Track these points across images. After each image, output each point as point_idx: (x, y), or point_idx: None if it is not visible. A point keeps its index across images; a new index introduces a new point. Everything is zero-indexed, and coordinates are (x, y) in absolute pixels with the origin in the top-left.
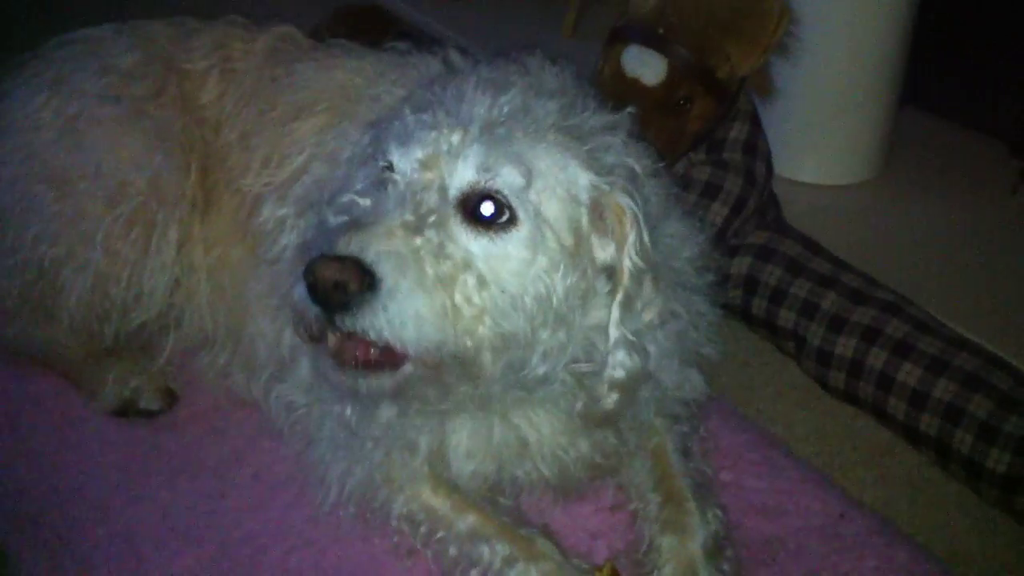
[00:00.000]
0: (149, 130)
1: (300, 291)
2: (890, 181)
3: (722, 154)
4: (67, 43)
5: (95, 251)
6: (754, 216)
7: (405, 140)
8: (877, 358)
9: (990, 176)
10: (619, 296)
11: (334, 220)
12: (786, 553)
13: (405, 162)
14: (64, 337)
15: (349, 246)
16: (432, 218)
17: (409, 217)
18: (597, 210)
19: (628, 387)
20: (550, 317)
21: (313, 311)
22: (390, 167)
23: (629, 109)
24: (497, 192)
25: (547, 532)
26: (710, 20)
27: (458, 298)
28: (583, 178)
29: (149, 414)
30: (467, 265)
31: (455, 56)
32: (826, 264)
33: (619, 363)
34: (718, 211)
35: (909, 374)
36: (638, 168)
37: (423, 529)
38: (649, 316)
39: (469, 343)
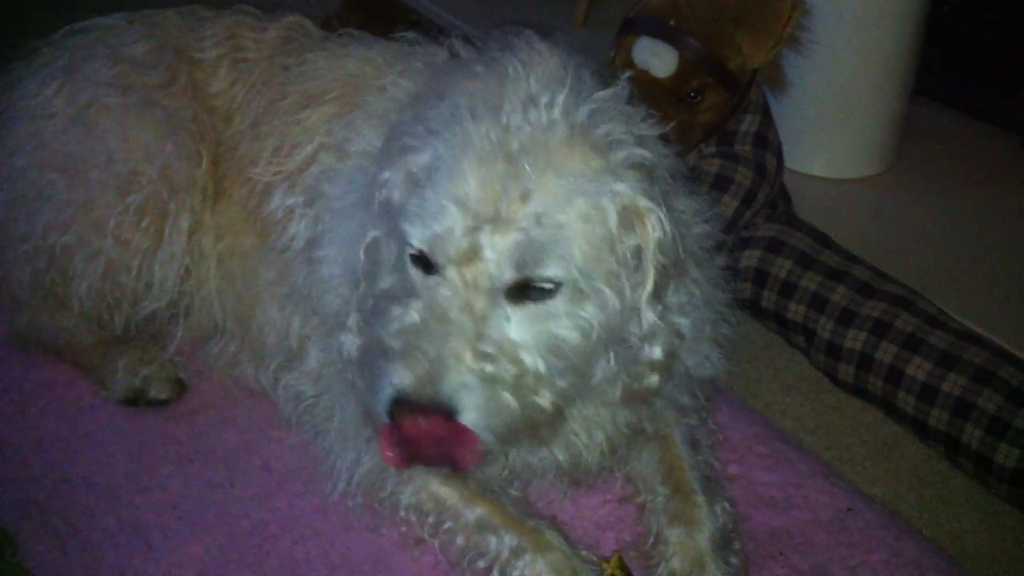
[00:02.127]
0: (160, 119)
1: (379, 411)
2: (901, 174)
3: (733, 146)
4: (79, 32)
5: (106, 240)
6: (764, 209)
7: (428, 222)
8: (887, 352)
9: (1002, 169)
10: (648, 288)
11: (393, 342)
12: (793, 546)
13: (440, 254)
14: (74, 325)
15: (427, 390)
16: (488, 324)
17: (468, 328)
18: (622, 215)
19: (666, 366)
20: (604, 344)
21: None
22: (421, 256)
23: (626, 75)
24: (544, 280)
25: (555, 524)
26: (722, 12)
27: (523, 381)
28: (606, 197)
29: (158, 403)
30: (524, 347)
31: (460, 46)
32: (836, 257)
33: (657, 345)
34: (728, 203)
35: (919, 368)
36: (648, 155)
37: (431, 519)
38: (677, 299)
39: (536, 409)
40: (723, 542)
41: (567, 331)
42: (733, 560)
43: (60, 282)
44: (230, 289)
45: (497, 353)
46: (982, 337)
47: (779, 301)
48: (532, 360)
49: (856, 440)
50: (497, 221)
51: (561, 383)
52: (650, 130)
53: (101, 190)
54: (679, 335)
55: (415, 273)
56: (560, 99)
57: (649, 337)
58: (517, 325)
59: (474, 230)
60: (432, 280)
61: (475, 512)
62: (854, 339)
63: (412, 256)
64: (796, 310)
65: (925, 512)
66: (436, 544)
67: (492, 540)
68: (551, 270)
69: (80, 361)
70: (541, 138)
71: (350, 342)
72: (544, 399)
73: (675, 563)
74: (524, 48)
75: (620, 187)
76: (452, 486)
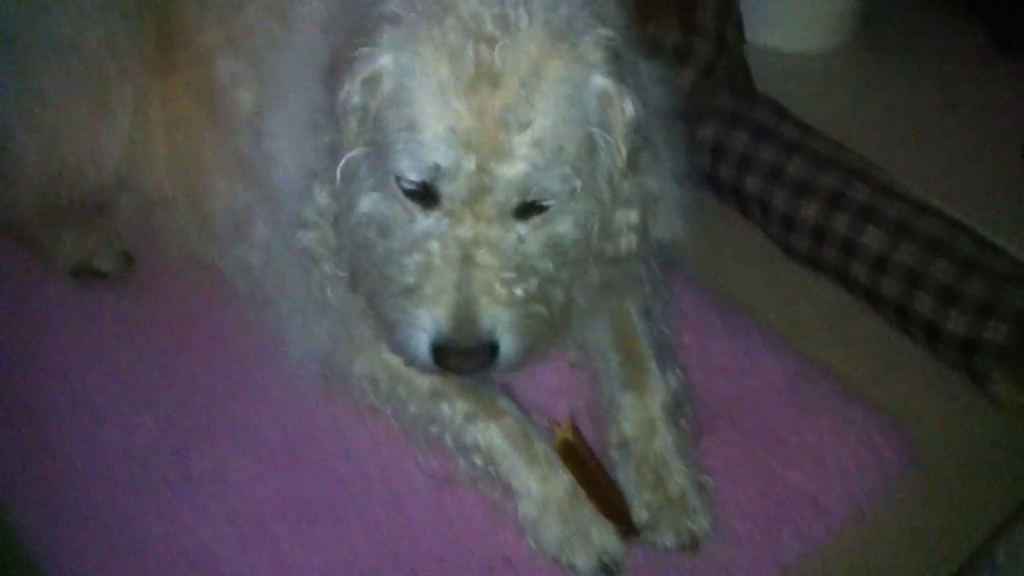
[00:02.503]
0: None
1: (421, 357)
2: (861, 48)
3: (693, 17)
4: None
5: (48, 110)
6: (723, 81)
7: (425, 157)
8: (840, 222)
9: (960, 42)
10: (623, 161)
11: (414, 282)
12: (743, 412)
13: (445, 191)
14: (18, 199)
15: (467, 333)
16: (504, 249)
17: (488, 260)
18: (599, 105)
19: (643, 227)
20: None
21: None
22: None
23: None
24: (549, 197)
25: (507, 391)
26: None
27: (544, 288)
28: (587, 94)
29: (105, 276)
30: (538, 256)
31: None
32: (793, 129)
33: (633, 209)
34: (687, 75)
35: (872, 237)
36: (612, 34)
37: (383, 387)
38: (644, 162)
39: (557, 308)
40: (674, 407)
41: (568, 228)
42: (683, 424)
43: (1, 156)
44: (176, 159)
45: (519, 274)
46: (936, 207)
47: (736, 174)
48: (546, 265)
49: (809, 310)
50: (500, 154)
51: (567, 275)
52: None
53: (42, 60)
54: (652, 197)
55: (411, 206)
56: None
57: (624, 202)
58: (528, 238)
59: (480, 168)
60: (436, 215)
61: (427, 380)
62: (808, 210)
63: (406, 189)
64: (752, 182)
65: (874, 379)
66: (389, 412)
67: (445, 407)
68: (555, 187)
69: (24, 235)
70: (522, 48)
71: (310, 239)
72: (560, 296)
73: (626, 427)
74: None
75: (596, 79)
76: None
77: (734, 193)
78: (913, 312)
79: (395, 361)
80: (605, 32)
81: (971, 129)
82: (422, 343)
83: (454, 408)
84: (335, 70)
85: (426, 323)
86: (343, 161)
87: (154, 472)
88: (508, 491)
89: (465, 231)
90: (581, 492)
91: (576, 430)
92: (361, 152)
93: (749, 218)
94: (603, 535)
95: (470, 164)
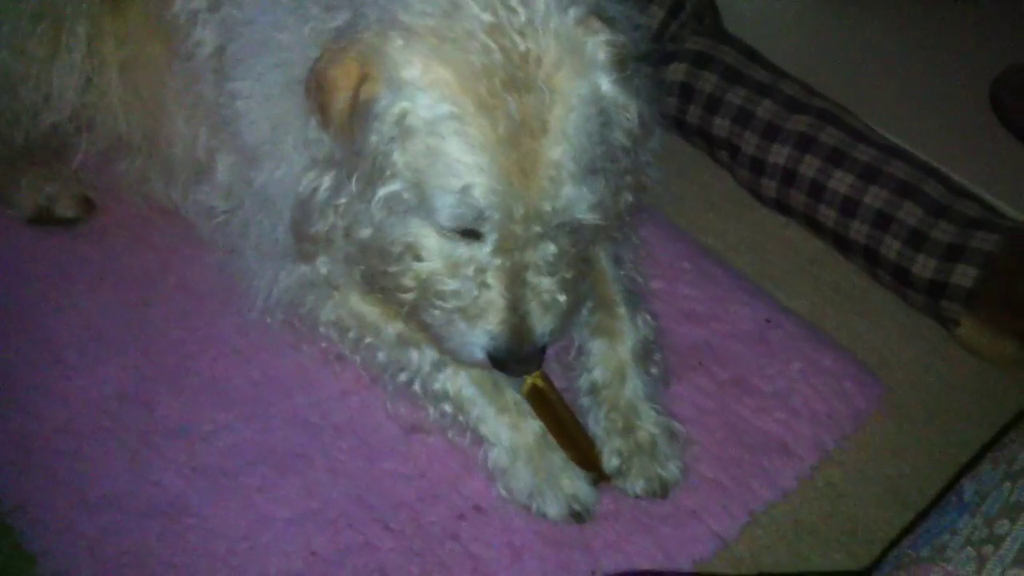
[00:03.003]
0: None
1: (478, 358)
2: None
3: None
4: None
5: (1, 50)
6: (691, 21)
7: (468, 201)
8: (810, 166)
9: None
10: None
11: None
12: (714, 357)
13: (488, 231)
14: None
15: (524, 347)
16: (546, 265)
17: (536, 281)
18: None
19: (638, 185)
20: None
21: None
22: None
23: None
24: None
25: None
26: None
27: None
28: (603, 104)
29: (66, 222)
30: (568, 253)
31: None
32: (763, 72)
33: (630, 174)
34: (655, 14)
35: (841, 182)
36: (621, 38)
37: (351, 335)
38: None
39: (580, 287)
40: (644, 353)
41: (592, 218)
42: (654, 371)
43: None
44: (134, 100)
45: (561, 281)
46: (905, 151)
47: (704, 116)
48: (576, 260)
49: (778, 255)
50: (544, 194)
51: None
52: None
53: None
54: (644, 159)
55: (453, 237)
56: (540, 2)
57: (624, 171)
58: (563, 246)
59: (526, 209)
60: (480, 247)
61: (396, 327)
62: (778, 154)
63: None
64: (721, 125)
65: (844, 324)
66: (357, 360)
67: (413, 354)
68: (590, 201)
69: None
70: (546, 68)
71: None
72: (582, 276)
73: (596, 373)
74: None
75: (606, 88)
76: (372, 302)
77: (702, 136)
78: (881, 257)
79: (364, 309)
80: (614, 36)
81: (940, 71)
82: (477, 352)
83: (423, 355)
84: (325, 83)
85: (483, 340)
86: (380, 195)
87: (122, 423)
88: (478, 439)
89: (512, 259)
90: (551, 439)
91: (545, 376)
92: (398, 188)
93: (717, 162)
94: (573, 482)
95: (519, 210)
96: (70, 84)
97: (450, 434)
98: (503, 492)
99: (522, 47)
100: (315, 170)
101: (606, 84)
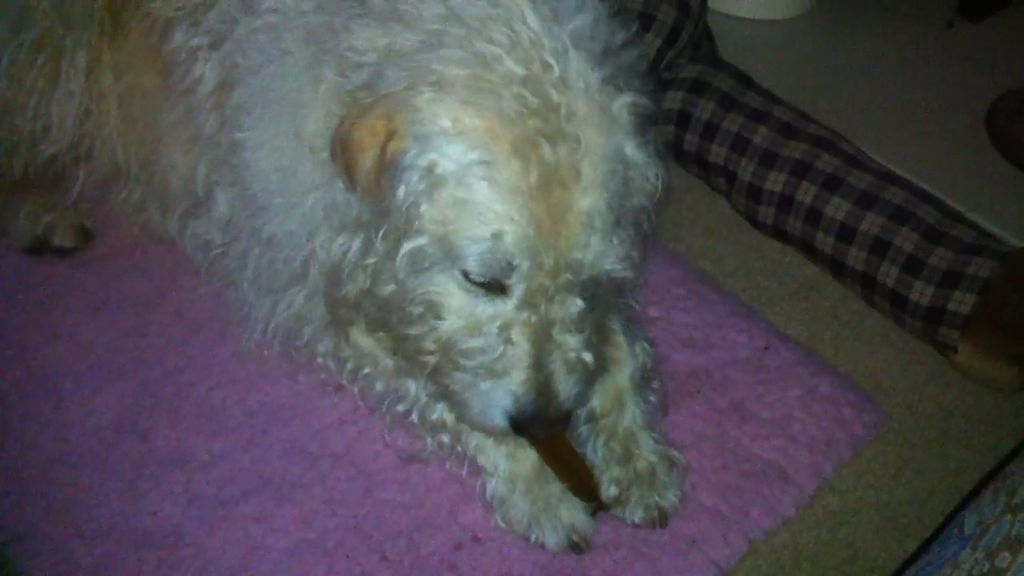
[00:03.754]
0: None
1: (499, 424)
2: (824, 15)
3: None
4: None
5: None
6: (687, 49)
7: (497, 255)
8: (806, 193)
9: (927, 10)
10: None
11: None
12: (712, 384)
13: (516, 284)
14: None
15: (548, 410)
16: (572, 323)
17: (564, 340)
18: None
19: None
20: None
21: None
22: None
23: None
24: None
25: None
26: None
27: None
28: (628, 164)
29: (64, 251)
30: (596, 311)
31: None
32: (758, 99)
33: None
34: (651, 42)
35: (838, 208)
36: (644, 100)
37: (349, 366)
38: None
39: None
40: (643, 381)
41: (620, 271)
42: (652, 398)
43: None
44: (132, 130)
45: (584, 338)
46: (901, 177)
47: (701, 144)
48: (598, 313)
49: (775, 281)
50: (574, 245)
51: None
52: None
53: None
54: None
55: (477, 291)
56: (573, 60)
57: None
58: (586, 300)
59: (556, 261)
60: (506, 301)
61: (393, 358)
62: (774, 181)
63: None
64: (718, 152)
65: (841, 350)
66: (355, 390)
67: (411, 384)
68: (618, 254)
69: None
70: (577, 121)
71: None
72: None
73: (595, 402)
74: None
75: (629, 150)
76: (369, 334)
77: (699, 163)
78: (879, 283)
79: (361, 340)
80: (636, 99)
81: (935, 97)
82: (498, 417)
83: (420, 385)
84: (351, 144)
85: (507, 401)
86: (405, 250)
87: (118, 453)
88: (475, 468)
89: (539, 315)
90: (548, 469)
91: None
92: (424, 242)
93: (714, 188)
94: (572, 512)
95: (549, 261)
96: (69, 115)
97: (448, 464)
98: (501, 522)
99: (555, 99)
100: (344, 234)
101: (629, 146)
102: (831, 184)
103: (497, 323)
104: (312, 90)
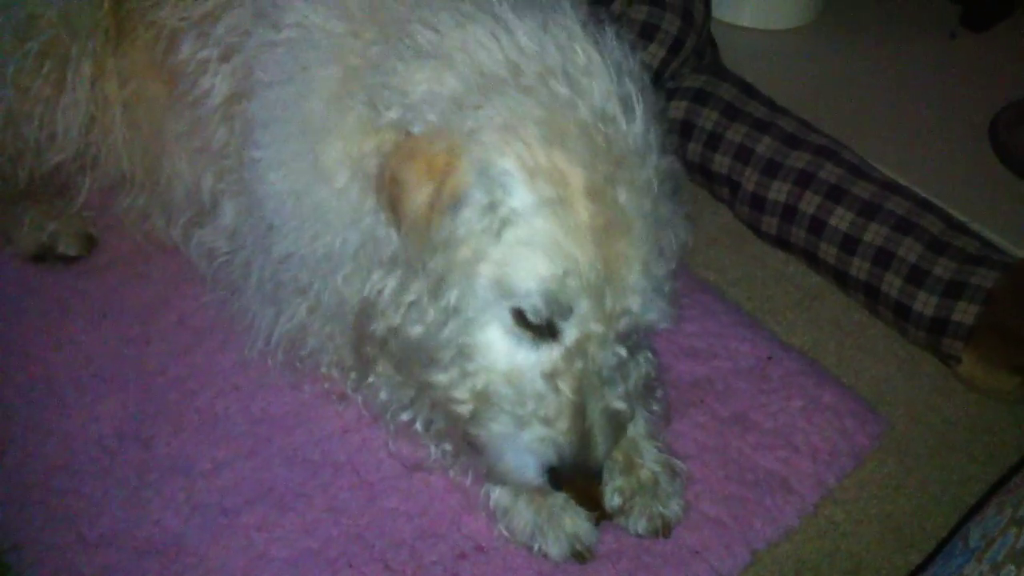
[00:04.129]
0: None
1: (533, 476)
2: (828, 25)
3: None
4: None
5: (5, 88)
6: (691, 58)
7: (558, 297)
8: (810, 203)
9: (930, 21)
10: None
11: (534, 412)
12: (715, 394)
13: (568, 327)
14: None
15: (585, 464)
16: (614, 374)
17: (607, 393)
18: None
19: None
20: None
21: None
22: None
23: None
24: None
25: None
26: None
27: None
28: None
29: (68, 259)
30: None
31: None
32: (762, 108)
33: None
34: (654, 52)
35: (841, 219)
36: (676, 163)
37: (354, 375)
38: None
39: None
40: (645, 391)
41: (664, 324)
42: (655, 408)
43: None
44: (136, 138)
45: (624, 390)
46: (904, 187)
47: (704, 153)
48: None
49: (778, 291)
50: (628, 292)
51: None
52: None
53: None
54: None
55: (523, 334)
56: (638, 116)
57: None
58: (628, 349)
59: (612, 309)
60: (553, 347)
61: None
62: (778, 191)
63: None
64: (721, 162)
65: (844, 360)
66: (359, 399)
67: (415, 393)
68: (663, 305)
69: None
70: (640, 186)
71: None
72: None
73: None
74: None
75: (667, 211)
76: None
77: (702, 172)
78: (882, 294)
79: (365, 349)
80: (670, 162)
81: (939, 107)
82: (533, 468)
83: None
84: (403, 177)
85: (549, 453)
86: (457, 291)
87: (120, 461)
88: (479, 478)
89: (587, 363)
90: None
91: None
92: (480, 282)
93: (717, 198)
94: (575, 522)
95: (609, 305)
96: (75, 123)
97: (451, 473)
98: (504, 532)
99: (622, 148)
100: (378, 271)
101: (668, 206)
102: (835, 194)
103: (542, 370)
104: (337, 117)
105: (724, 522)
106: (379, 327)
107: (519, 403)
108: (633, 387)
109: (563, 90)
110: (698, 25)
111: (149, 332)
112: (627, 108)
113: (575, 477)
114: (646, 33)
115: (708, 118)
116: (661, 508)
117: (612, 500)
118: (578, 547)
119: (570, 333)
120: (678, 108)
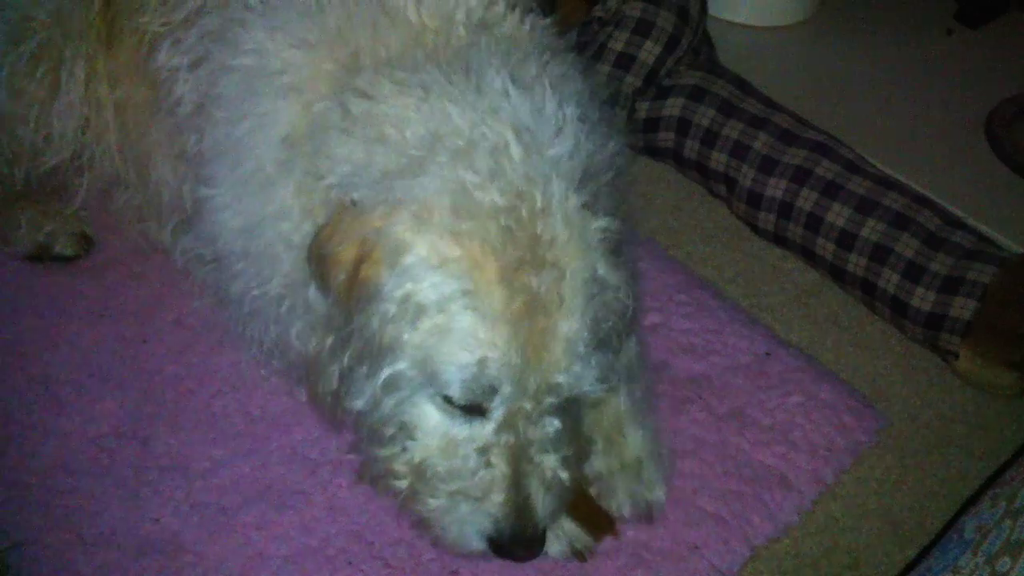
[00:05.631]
0: None
1: (476, 545)
2: (824, 22)
3: None
4: None
5: (0, 91)
6: (687, 56)
7: (477, 381)
8: (807, 199)
9: (926, 17)
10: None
11: (468, 489)
12: (712, 391)
13: (495, 408)
14: None
15: (525, 534)
16: (550, 441)
17: (543, 460)
18: None
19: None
20: None
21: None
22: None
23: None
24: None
25: None
26: None
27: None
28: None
29: (65, 259)
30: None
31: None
32: (758, 105)
33: None
34: (650, 49)
35: (838, 214)
36: (614, 224)
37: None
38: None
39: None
40: (629, 377)
41: (599, 390)
42: (638, 395)
43: None
44: (127, 140)
45: (561, 457)
46: (901, 183)
47: (701, 150)
48: (571, 430)
49: (775, 287)
50: (555, 368)
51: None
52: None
53: None
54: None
55: (453, 413)
56: (555, 188)
57: None
58: (563, 420)
59: (538, 388)
60: (483, 424)
61: None
62: (775, 187)
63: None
64: (718, 159)
65: (841, 356)
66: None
67: None
68: (596, 375)
69: None
70: (557, 248)
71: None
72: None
73: None
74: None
75: (602, 271)
76: None
77: (699, 169)
78: (879, 289)
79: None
80: (608, 224)
81: (935, 103)
82: (474, 539)
83: None
84: (327, 255)
85: (486, 523)
86: (384, 376)
87: (119, 460)
88: None
89: (518, 437)
90: None
91: None
92: (403, 367)
93: (714, 195)
94: (574, 522)
95: (532, 385)
96: (69, 124)
97: None
98: None
99: (538, 228)
100: (316, 333)
101: (603, 268)
102: (831, 190)
103: (475, 445)
104: (281, 172)
105: (723, 518)
106: (324, 389)
107: (455, 477)
108: (619, 370)
109: (475, 174)
110: (694, 22)
111: (146, 332)
112: (545, 183)
113: (514, 546)
114: (641, 29)
115: (704, 115)
116: (645, 492)
117: (595, 484)
118: (577, 545)
119: (497, 411)
120: (674, 105)
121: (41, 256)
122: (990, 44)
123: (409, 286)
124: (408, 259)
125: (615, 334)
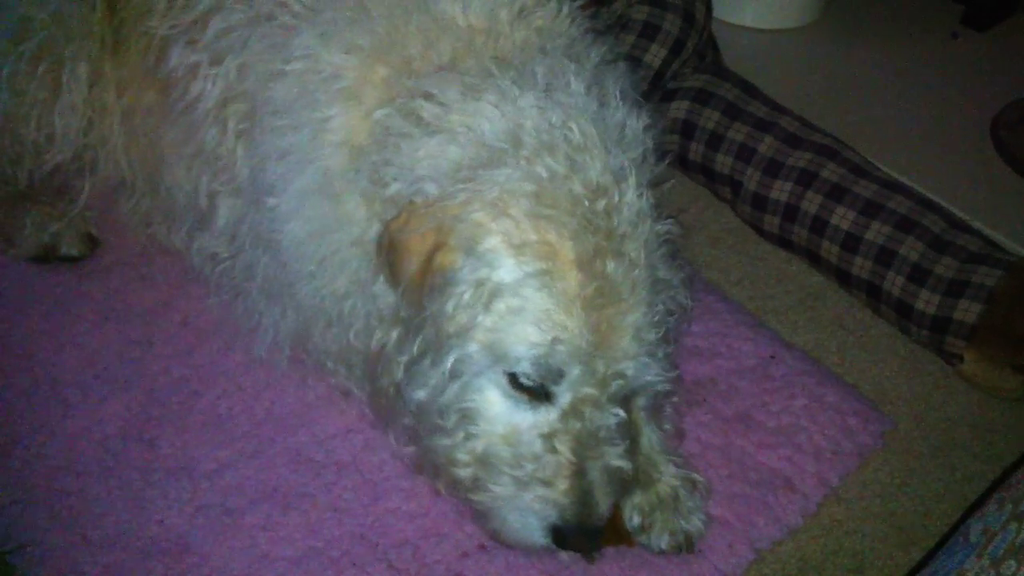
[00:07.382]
0: None
1: (537, 536)
2: (829, 25)
3: None
4: None
5: (1, 91)
6: (692, 58)
7: (552, 363)
8: (812, 202)
9: (931, 20)
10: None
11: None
12: (718, 394)
13: (565, 391)
14: None
15: (588, 521)
16: (612, 431)
17: (606, 451)
18: None
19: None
20: None
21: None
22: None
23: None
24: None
25: None
26: None
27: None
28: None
29: (71, 260)
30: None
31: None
32: (764, 108)
33: None
34: (656, 53)
35: (843, 218)
36: (672, 227)
37: (357, 372)
38: None
39: None
40: (656, 409)
41: (661, 383)
42: (667, 427)
43: None
44: (135, 147)
45: (623, 448)
46: (906, 186)
47: (706, 153)
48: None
49: (780, 290)
50: (623, 355)
51: None
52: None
53: None
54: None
55: (520, 398)
56: (630, 187)
57: None
58: (625, 410)
59: (604, 373)
60: (549, 410)
61: (402, 365)
62: (780, 190)
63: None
64: (723, 162)
65: (847, 359)
66: (364, 397)
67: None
68: (660, 366)
69: None
70: (631, 242)
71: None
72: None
73: None
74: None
75: (665, 274)
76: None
77: (704, 172)
78: (884, 292)
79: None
80: (668, 227)
81: (940, 106)
82: (536, 528)
83: None
84: (398, 244)
85: (551, 513)
86: (452, 359)
87: (124, 462)
88: None
89: (584, 424)
90: None
91: None
92: (473, 350)
93: (719, 198)
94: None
95: (600, 370)
96: (71, 125)
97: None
98: None
99: (613, 220)
100: (382, 327)
101: (664, 270)
102: (836, 193)
103: (540, 431)
104: (346, 180)
105: (728, 521)
106: (386, 383)
107: (518, 464)
108: (645, 404)
109: (558, 165)
110: (700, 25)
111: (153, 333)
112: (620, 180)
113: (578, 535)
114: (647, 33)
115: (710, 118)
116: (683, 523)
117: (632, 520)
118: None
119: (564, 396)
120: (679, 108)
121: (47, 257)
122: (996, 47)
123: (485, 271)
124: (486, 244)
125: (672, 335)
